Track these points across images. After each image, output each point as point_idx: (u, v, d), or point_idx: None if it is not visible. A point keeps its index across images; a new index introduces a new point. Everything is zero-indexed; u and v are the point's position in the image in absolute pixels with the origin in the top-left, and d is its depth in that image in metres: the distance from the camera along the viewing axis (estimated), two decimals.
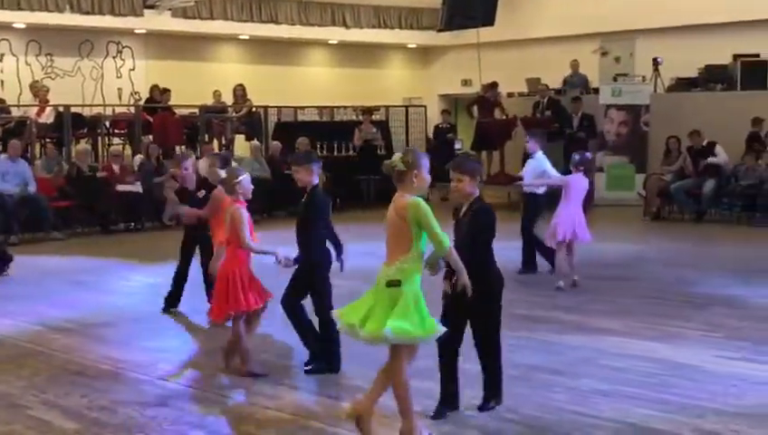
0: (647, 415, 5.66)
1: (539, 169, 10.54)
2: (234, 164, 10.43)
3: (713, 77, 18.39)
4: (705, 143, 16.02)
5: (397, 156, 5.39)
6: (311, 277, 6.69)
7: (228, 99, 19.69)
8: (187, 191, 9.08)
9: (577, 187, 9.86)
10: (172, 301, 9.11)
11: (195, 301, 8.91)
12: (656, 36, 19.85)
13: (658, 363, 6.84)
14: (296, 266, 6.74)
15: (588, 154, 10.49)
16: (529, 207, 10.80)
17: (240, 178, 6.75)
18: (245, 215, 6.71)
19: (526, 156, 11.18)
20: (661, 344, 7.40)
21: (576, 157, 9.96)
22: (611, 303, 9.10)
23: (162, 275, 10.31)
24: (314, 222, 6.68)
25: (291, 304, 6.75)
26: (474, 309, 5.53)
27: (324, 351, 6.73)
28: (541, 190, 10.72)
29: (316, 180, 6.71)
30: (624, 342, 7.50)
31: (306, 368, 6.78)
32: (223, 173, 7.72)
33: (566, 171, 10.73)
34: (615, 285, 10.09)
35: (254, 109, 19.35)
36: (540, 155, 10.58)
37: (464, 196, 5.80)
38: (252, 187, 6.82)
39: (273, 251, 6.69)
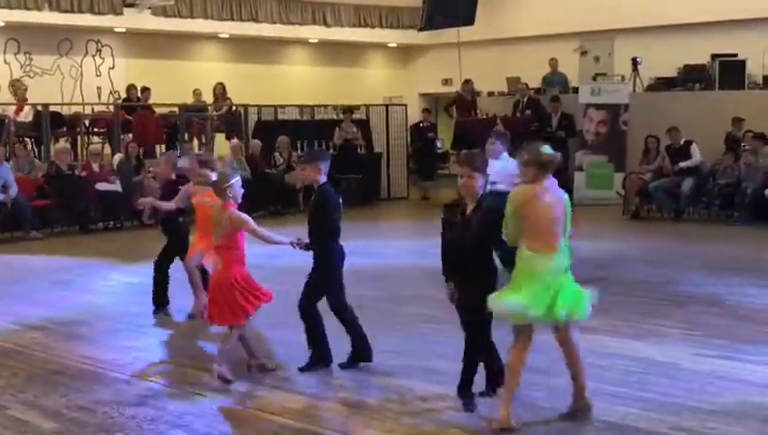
0: (625, 413, 5.70)
1: (509, 171, 10.36)
2: (219, 165, 10.42)
3: (691, 77, 18.51)
4: (682, 141, 16.11)
5: (547, 147, 5.61)
6: (325, 276, 6.67)
7: (208, 98, 19.63)
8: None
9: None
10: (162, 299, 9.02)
11: (174, 300, 8.90)
12: (635, 36, 19.95)
13: (638, 362, 6.88)
14: (311, 270, 6.73)
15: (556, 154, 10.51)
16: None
17: (232, 181, 6.71)
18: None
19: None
20: (640, 343, 7.44)
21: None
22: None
23: (141, 275, 10.28)
24: (325, 220, 6.64)
25: (306, 310, 6.74)
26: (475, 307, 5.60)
27: (359, 347, 6.78)
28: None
29: (324, 178, 6.68)
30: (604, 340, 7.52)
31: (301, 367, 6.77)
32: (213, 175, 7.74)
33: None
34: (595, 284, 10.10)
35: (234, 108, 19.31)
36: (506, 156, 10.38)
37: (472, 193, 5.82)
38: (242, 190, 6.76)
39: (285, 240, 6.73)
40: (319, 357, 6.79)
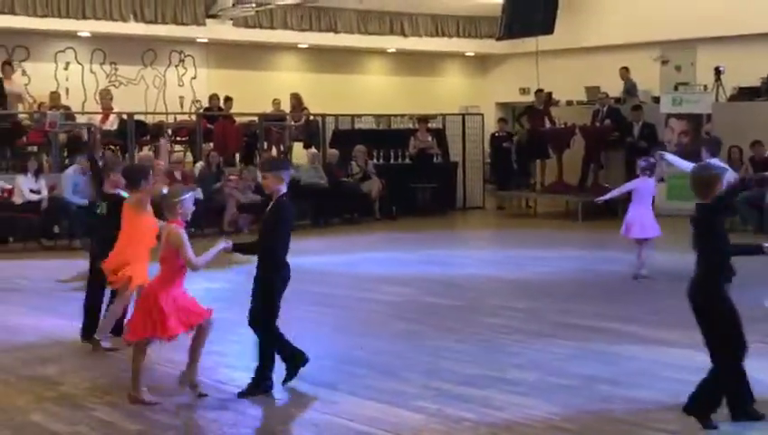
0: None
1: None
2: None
3: None
4: (766, 154, 15.77)
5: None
6: (266, 286, 6.43)
7: (287, 107, 19.87)
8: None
9: (644, 189, 11.05)
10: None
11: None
12: (717, 45, 19.58)
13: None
14: (255, 283, 6.50)
15: (651, 159, 11.39)
16: None
17: (182, 197, 6.37)
18: (185, 235, 6.34)
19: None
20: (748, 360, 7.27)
21: (642, 162, 11.21)
22: (673, 314, 8.98)
23: (224, 281, 10.47)
24: (278, 231, 6.42)
25: (258, 323, 6.53)
26: None
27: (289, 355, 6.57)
28: None
29: (284, 189, 6.41)
30: (685, 354, 7.40)
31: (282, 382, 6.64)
32: (165, 190, 7.49)
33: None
34: (678, 297, 9.95)
35: (311, 117, 19.51)
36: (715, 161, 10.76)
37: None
38: (193, 207, 6.43)
39: (215, 250, 6.50)
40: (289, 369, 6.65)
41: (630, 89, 20.04)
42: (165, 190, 7.23)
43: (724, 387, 5.58)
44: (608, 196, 11.97)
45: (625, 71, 20.16)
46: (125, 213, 7.68)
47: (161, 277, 6.43)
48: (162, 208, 6.59)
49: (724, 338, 5.55)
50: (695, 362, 7.12)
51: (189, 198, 6.40)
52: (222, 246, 6.52)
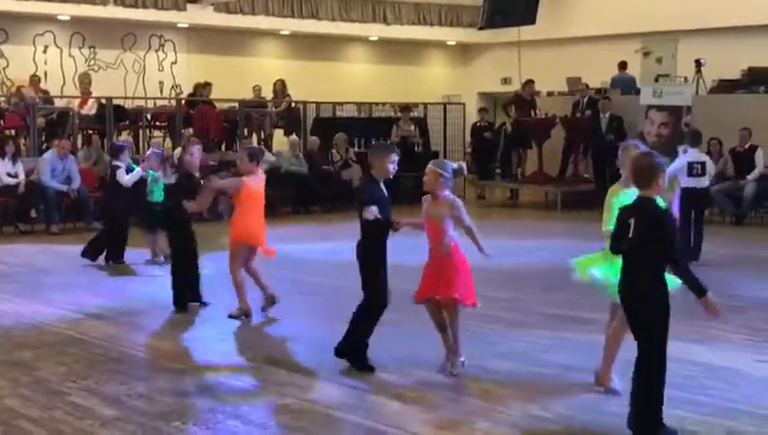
0: (681, 417, 5.64)
1: None
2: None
3: (756, 79, 18.14)
4: (747, 146, 15.85)
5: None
6: None
7: (268, 94, 19.79)
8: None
9: None
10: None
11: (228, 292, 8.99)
12: (698, 37, 19.64)
13: (697, 366, 6.80)
14: None
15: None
16: None
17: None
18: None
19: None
20: (700, 347, 7.34)
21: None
22: None
23: (202, 266, 10.42)
24: None
25: None
26: None
27: None
28: None
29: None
30: None
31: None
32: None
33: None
34: None
35: (293, 104, 19.44)
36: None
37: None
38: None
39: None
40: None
41: (624, 84, 20.04)
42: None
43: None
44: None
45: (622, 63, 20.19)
46: (256, 191, 8.32)
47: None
48: None
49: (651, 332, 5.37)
50: (669, 352, 7.17)
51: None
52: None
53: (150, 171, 11.33)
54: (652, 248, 5.14)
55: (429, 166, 6.79)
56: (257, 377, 6.61)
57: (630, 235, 5.14)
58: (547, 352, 7.21)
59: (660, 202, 5.28)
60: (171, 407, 5.90)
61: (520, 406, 5.87)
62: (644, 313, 5.28)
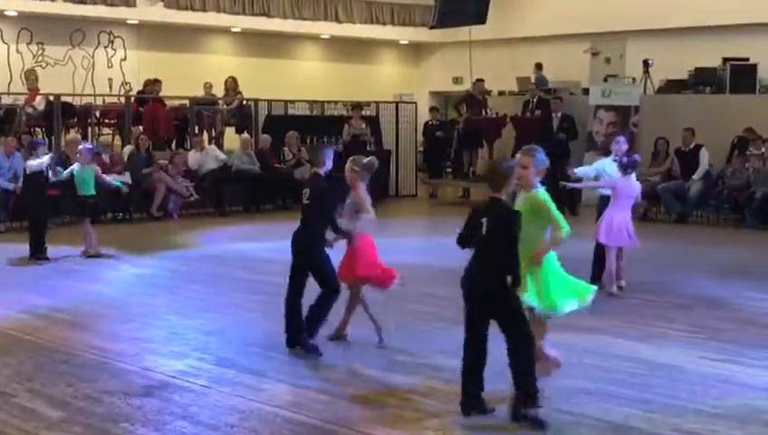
0: (628, 414, 5.72)
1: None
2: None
3: (702, 80, 18.44)
4: (692, 145, 16.10)
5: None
6: None
7: (219, 91, 19.67)
8: None
9: (626, 189, 9.60)
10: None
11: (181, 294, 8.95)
12: (646, 38, 19.91)
13: (642, 363, 6.90)
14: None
15: (636, 156, 9.93)
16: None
17: None
18: None
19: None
20: (644, 345, 7.46)
21: (624, 159, 9.56)
22: (596, 302, 9.13)
23: (149, 266, 10.33)
24: None
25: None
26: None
27: None
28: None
29: None
30: (608, 341, 7.55)
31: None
32: None
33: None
34: (600, 285, 10.12)
35: (244, 102, 19.35)
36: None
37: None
38: None
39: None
40: None
41: (539, 80, 20.38)
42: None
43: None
44: (577, 185, 10.72)
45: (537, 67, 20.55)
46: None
47: None
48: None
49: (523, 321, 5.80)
50: (614, 350, 7.29)
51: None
52: None
53: (75, 166, 11.90)
54: (500, 244, 5.59)
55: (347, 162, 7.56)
56: (206, 377, 6.58)
57: (484, 232, 5.59)
58: (494, 348, 7.23)
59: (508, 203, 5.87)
60: (119, 408, 5.85)
61: None
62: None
